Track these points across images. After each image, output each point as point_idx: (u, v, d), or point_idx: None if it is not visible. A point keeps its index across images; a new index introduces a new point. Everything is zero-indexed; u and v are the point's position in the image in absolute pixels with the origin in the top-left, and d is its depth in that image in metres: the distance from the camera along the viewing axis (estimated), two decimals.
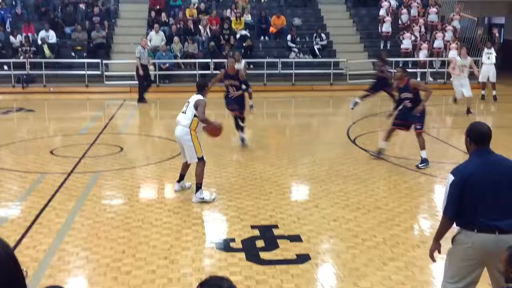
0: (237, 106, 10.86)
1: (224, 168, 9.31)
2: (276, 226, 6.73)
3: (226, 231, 6.69)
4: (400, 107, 9.65)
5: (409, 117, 9.34)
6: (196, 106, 7.52)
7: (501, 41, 22.79)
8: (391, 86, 13.53)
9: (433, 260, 4.34)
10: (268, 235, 6.48)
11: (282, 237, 6.43)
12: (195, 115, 7.52)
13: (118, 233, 6.46)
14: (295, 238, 6.37)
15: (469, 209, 4.04)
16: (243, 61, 14.38)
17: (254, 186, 8.31)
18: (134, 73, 16.90)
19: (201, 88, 7.80)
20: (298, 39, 20.84)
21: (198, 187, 7.59)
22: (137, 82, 16.96)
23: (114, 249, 6.02)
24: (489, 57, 16.48)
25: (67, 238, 6.35)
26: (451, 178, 4.09)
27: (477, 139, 4.16)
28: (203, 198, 7.55)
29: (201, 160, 7.59)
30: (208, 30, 20.76)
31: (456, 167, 4.20)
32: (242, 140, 10.89)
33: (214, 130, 7.88)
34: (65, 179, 8.60)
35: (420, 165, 9.24)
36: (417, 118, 9.23)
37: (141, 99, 16.60)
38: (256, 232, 6.55)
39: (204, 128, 7.73)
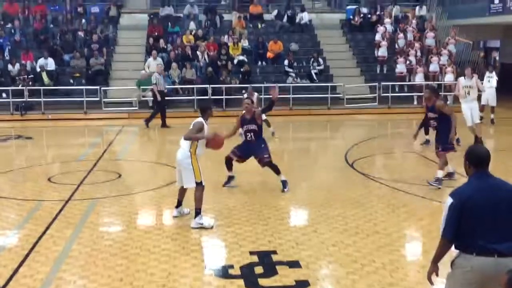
0: (257, 152, 9.38)
1: (222, 193, 9.29)
2: (275, 252, 6.69)
3: (224, 257, 6.65)
4: (426, 127, 10.36)
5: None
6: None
7: (500, 64, 22.98)
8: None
9: (431, 283, 4.31)
10: (267, 261, 6.44)
11: (281, 263, 6.38)
12: None
13: (116, 261, 6.41)
14: (294, 264, 6.32)
15: (467, 232, 4.03)
16: (256, 94, 14.46)
17: (253, 211, 8.28)
18: (139, 99, 17.09)
19: (202, 112, 7.88)
20: (295, 64, 21.01)
21: (197, 212, 7.56)
22: (151, 108, 17.34)
23: (111, 277, 5.97)
24: (489, 80, 16.60)
25: (65, 267, 6.30)
26: (449, 200, 4.10)
27: (476, 162, 4.17)
28: (202, 224, 7.51)
29: (199, 185, 7.56)
30: (205, 56, 20.93)
31: (454, 189, 4.21)
32: (284, 184, 9.44)
33: (214, 142, 7.79)
34: (63, 207, 8.57)
35: (431, 182, 9.39)
36: (440, 139, 9.54)
37: (148, 122, 16.80)
38: (255, 258, 6.50)
39: (206, 145, 7.72)
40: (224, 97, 19.29)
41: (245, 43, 21.78)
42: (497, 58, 20.18)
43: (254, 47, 21.88)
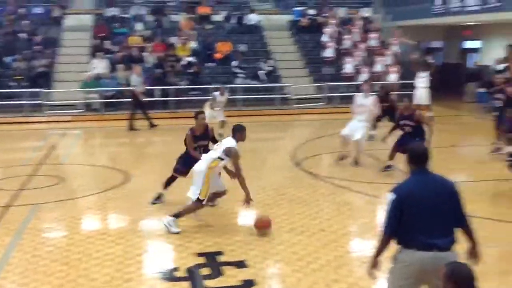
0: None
1: (170, 194, 9.17)
2: (221, 253, 6.66)
3: (170, 260, 6.57)
4: (399, 132, 10.31)
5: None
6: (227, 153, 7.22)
7: (441, 64, 23.63)
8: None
9: (373, 278, 4.38)
10: (214, 263, 6.40)
11: (227, 263, 6.36)
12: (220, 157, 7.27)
13: (57, 267, 6.23)
14: (241, 264, 6.31)
15: (408, 227, 4.11)
16: (225, 95, 14.67)
17: (200, 212, 8.21)
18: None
19: (234, 132, 7.40)
20: (244, 65, 21.04)
21: (177, 216, 7.32)
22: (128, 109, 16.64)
23: (51, 284, 5.80)
24: (422, 80, 17.09)
25: (4, 274, 6.08)
26: (390, 196, 4.19)
27: (416, 159, 4.28)
28: (171, 226, 7.32)
29: (199, 201, 7.24)
30: (153, 57, 20.68)
31: (395, 186, 4.29)
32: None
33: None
34: (3, 213, 8.28)
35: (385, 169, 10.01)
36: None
37: (132, 127, 16.20)
38: (202, 260, 6.46)
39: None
40: (172, 98, 19.14)
41: (193, 44, 21.65)
42: (432, 59, 20.82)
43: (203, 48, 21.78)
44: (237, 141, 7.31)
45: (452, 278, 3.42)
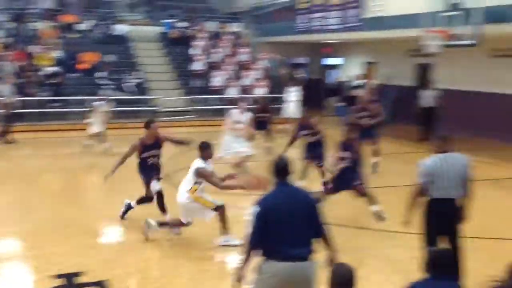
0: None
1: (30, 212, 8.61)
2: (81, 273, 6.34)
3: (25, 283, 6.13)
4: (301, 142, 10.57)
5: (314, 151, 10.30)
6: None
7: (307, 79, 24.68)
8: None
9: None
10: (72, 284, 6.07)
11: (88, 284, 6.07)
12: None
13: None
14: (103, 284, 6.06)
15: (271, 238, 4.20)
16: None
17: (59, 230, 7.78)
18: None
19: (200, 151, 7.17)
20: (111, 76, 20.45)
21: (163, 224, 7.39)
22: None
23: None
24: (292, 95, 17.77)
25: None
26: (254, 209, 4.26)
27: (278, 172, 4.40)
28: (155, 229, 7.29)
29: (219, 208, 7.17)
30: (13, 66, 19.38)
31: (259, 198, 4.37)
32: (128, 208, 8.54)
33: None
34: None
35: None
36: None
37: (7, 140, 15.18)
38: (60, 282, 6.10)
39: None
40: (32, 110, 18.08)
41: (56, 53, 20.63)
42: (301, 74, 21.82)
43: (67, 58, 20.84)
44: (205, 160, 7.09)
45: (333, 278, 3.60)
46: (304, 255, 4.23)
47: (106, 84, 20.05)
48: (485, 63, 16.14)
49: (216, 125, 19.17)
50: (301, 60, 26.00)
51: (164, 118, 19.44)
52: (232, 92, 20.83)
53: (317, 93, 23.45)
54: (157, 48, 23.53)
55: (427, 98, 16.27)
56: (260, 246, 4.25)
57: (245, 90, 21.12)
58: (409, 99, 17.21)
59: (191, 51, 22.59)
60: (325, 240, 4.41)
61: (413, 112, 16.50)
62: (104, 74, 20.41)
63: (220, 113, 20.69)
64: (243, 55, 22.91)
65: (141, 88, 20.67)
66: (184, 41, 23.47)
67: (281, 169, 4.41)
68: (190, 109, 20.26)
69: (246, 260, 4.32)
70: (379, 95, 17.85)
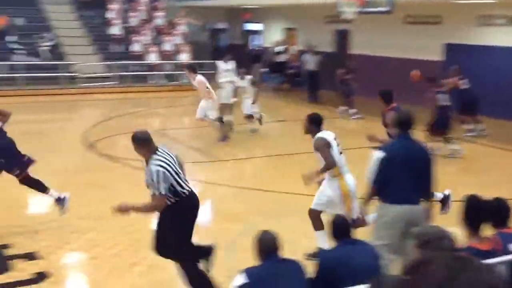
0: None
1: None
2: (8, 246, 6.17)
3: None
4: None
5: None
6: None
7: (226, 45, 24.57)
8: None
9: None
10: (2, 255, 5.91)
11: (15, 256, 5.93)
12: None
13: None
14: (31, 256, 5.93)
15: (392, 182, 4.68)
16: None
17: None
18: None
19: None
20: (22, 40, 19.44)
21: None
22: None
23: None
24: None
25: None
26: (380, 154, 4.72)
27: (402, 124, 4.81)
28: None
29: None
30: None
31: (384, 145, 5.09)
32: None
33: None
34: None
35: None
36: None
37: None
38: None
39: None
40: None
41: None
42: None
43: None
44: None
45: (257, 243, 3.83)
46: (417, 200, 4.75)
47: (18, 49, 19.05)
48: (399, 30, 16.75)
49: (139, 92, 18.83)
50: (222, 25, 25.80)
51: (83, 85, 18.82)
52: (153, 58, 20.41)
53: (242, 60, 23.41)
54: (69, 11, 22.40)
55: (311, 62, 17.35)
56: (382, 188, 4.70)
57: (166, 55, 20.75)
58: (328, 65, 17.59)
59: (107, 15, 21.78)
60: (428, 193, 4.88)
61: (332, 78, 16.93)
62: (14, 38, 19.35)
63: (142, 79, 20.30)
64: (160, 19, 22.31)
65: (57, 54, 19.78)
66: (98, 4, 22.49)
67: (404, 121, 4.81)
68: (110, 75, 19.64)
69: (368, 197, 4.88)
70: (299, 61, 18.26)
